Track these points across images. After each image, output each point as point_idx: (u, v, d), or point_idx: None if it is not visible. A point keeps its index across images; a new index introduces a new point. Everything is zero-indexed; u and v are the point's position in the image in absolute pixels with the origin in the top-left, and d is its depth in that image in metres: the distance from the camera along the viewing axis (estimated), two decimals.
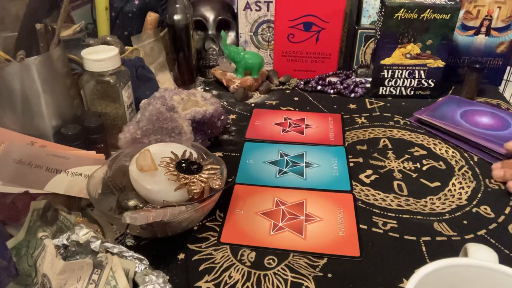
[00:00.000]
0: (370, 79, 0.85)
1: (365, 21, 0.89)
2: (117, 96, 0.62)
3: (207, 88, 0.88)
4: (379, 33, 0.78)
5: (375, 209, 0.56)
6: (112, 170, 0.54)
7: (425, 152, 0.67)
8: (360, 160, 0.65)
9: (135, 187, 0.51)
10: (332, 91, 0.85)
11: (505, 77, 0.89)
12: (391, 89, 0.83)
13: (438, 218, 0.54)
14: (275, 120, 0.76)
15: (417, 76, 0.81)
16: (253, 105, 0.82)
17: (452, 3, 0.75)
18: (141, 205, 0.50)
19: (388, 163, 0.64)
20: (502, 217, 0.54)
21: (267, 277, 0.46)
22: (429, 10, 0.75)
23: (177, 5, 0.78)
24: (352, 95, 0.84)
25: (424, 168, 0.63)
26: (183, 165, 0.50)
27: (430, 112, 0.74)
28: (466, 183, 0.60)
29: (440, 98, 0.83)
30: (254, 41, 0.92)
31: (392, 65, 0.80)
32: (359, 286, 0.45)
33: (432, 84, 0.82)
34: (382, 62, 0.80)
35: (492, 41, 0.85)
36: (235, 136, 0.72)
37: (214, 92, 0.86)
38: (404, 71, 0.81)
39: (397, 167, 0.63)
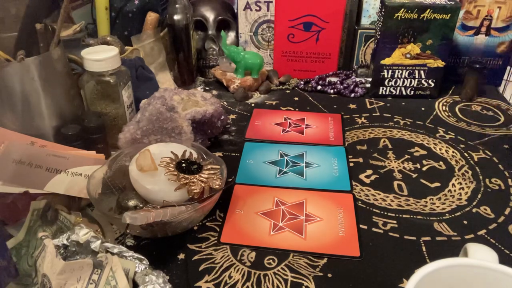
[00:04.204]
0: (370, 79, 0.84)
1: (365, 21, 0.89)
2: (117, 96, 0.62)
3: (207, 88, 0.88)
4: (379, 33, 0.78)
5: (375, 209, 0.56)
6: (112, 170, 0.54)
7: (425, 152, 0.67)
8: (360, 160, 0.65)
9: (135, 187, 0.51)
10: (332, 91, 0.85)
11: (505, 77, 0.89)
12: (391, 89, 0.83)
13: (438, 218, 0.54)
14: (275, 120, 0.76)
15: (417, 76, 0.81)
16: (253, 105, 0.82)
17: (452, 3, 0.75)
18: (141, 205, 0.50)
19: (388, 163, 0.64)
20: (502, 217, 0.54)
21: (267, 277, 0.46)
22: (429, 10, 0.75)
23: (177, 5, 0.78)
24: (352, 95, 0.84)
25: (424, 168, 0.63)
26: (183, 165, 0.50)
27: None
28: (466, 183, 0.60)
29: (440, 98, 0.83)
30: (254, 41, 0.92)
31: (392, 65, 0.80)
32: (359, 286, 0.45)
33: (432, 84, 0.82)
34: (382, 62, 0.80)
35: (492, 41, 0.85)
36: (235, 136, 0.72)
37: (214, 92, 0.86)
38: (404, 71, 0.81)
39: (397, 167, 0.63)
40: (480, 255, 0.36)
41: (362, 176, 0.62)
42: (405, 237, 0.51)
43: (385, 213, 0.55)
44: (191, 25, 0.81)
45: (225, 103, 0.82)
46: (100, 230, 0.50)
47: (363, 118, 0.77)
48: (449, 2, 0.75)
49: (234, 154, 0.67)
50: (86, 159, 0.55)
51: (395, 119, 0.76)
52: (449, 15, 0.75)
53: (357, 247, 0.49)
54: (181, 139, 0.60)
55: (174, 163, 0.50)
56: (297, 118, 0.76)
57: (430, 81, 0.82)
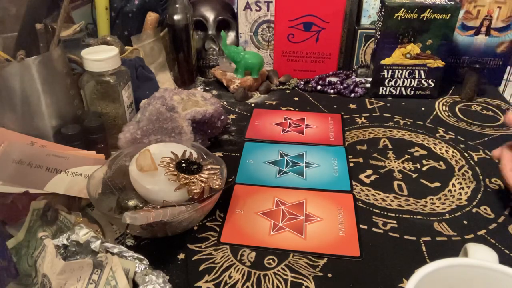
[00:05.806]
0: (370, 79, 0.84)
1: (365, 21, 0.89)
2: (117, 96, 0.62)
3: (207, 88, 0.88)
4: (379, 33, 0.78)
5: (375, 209, 0.56)
6: (112, 170, 0.54)
7: (425, 152, 0.67)
8: (360, 160, 0.65)
9: (135, 187, 0.51)
10: (332, 91, 0.85)
11: (505, 77, 0.89)
12: (391, 89, 0.83)
13: (438, 218, 0.54)
14: (275, 120, 0.76)
15: (417, 76, 0.81)
16: (253, 105, 0.82)
17: (452, 3, 0.75)
18: (141, 205, 0.50)
19: (388, 163, 0.64)
20: (502, 217, 0.54)
21: (267, 277, 0.46)
22: (429, 10, 0.75)
23: (177, 5, 0.78)
24: (352, 95, 0.84)
25: (424, 168, 0.63)
26: (183, 165, 0.50)
27: None
28: (466, 183, 0.60)
29: (440, 98, 0.83)
30: (254, 41, 0.92)
31: (392, 65, 0.80)
32: (359, 286, 0.45)
33: (432, 84, 0.82)
34: (382, 62, 0.80)
35: (492, 41, 0.85)
36: (235, 136, 0.72)
37: (214, 92, 0.86)
38: (404, 71, 0.81)
39: (397, 167, 0.63)
40: (480, 255, 0.36)
41: (362, 176, 0.62)
42: (405, 237, 0.51)
43: (385, 213, 0.55)
44: (191, 25, 0.81)
45: (225, 103, 0.82)
46: (100, 230, 0.50)
47: (363, 118, 0.77)
48: (449, 2, 0.75)
49: (234, 154, 0.67)
50: (86, 159, 0.55)
51: (395, 119, 0.76)
52: (449, 15, 0.75)
53: (357, 247, 0.49)
54: (181, 139, 0.60)
55: (174, 163, 0.50)
56: (297, 118, 0.76)
57: (430, 81, 0.82)
